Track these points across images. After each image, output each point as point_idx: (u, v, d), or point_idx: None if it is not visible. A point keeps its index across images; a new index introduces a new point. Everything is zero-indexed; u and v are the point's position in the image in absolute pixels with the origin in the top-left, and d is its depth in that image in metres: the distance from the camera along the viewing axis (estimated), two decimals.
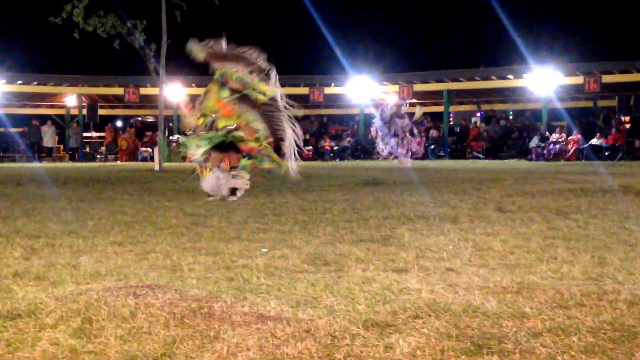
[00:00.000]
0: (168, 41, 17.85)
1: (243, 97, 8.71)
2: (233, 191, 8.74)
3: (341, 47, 30.73)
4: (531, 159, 24.97)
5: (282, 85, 9.02)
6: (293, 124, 8.83)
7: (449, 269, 4.03)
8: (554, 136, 25.89)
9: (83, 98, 30.93)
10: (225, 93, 8.68)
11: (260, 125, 8.69)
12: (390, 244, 4.93)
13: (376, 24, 44.52)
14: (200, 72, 30.97)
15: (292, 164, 8.78)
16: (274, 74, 8.79)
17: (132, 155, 28.55)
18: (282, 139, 8.71)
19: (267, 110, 8.74)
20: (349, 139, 29.98)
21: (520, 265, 4.11)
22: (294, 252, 4.61)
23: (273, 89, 8.73)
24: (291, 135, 8.78)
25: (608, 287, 3.46)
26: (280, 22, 40.80)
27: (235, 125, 8.60)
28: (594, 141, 24.92)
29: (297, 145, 8.83)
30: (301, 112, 9.21)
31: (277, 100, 8.76)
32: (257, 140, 8.68)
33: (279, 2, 39.81)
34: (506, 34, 29.37)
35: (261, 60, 8.76)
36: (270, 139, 8.74)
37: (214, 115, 8.64)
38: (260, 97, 8.64)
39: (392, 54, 36.86)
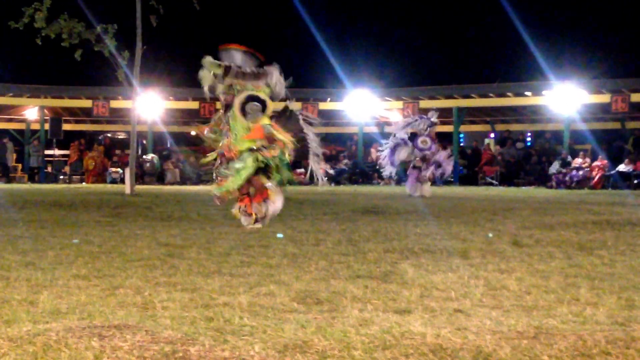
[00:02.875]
0: (143, 48, 17.89)
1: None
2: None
3: (338, 58, 30.85)
4: (551, 187, 25.04)
5: (272, 99, 9.20)
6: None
7: (458, 310, 4.03)
8: (577, 161, 26.00)
9: (45, 111, 30.95)
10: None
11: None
12: (392, 281, 4.93)
13: (378, 32, 44.85)
14: (178, 83, 31.17)
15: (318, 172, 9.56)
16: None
17: (100, 177, 28.51)
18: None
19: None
20: (346, 161, 30.03)
21: (538, 307, 4.11)
22: (282, 289, 4.61)
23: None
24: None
25: (636, 334, 3.46)
26: (270, 29, 41.06)
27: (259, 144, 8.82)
28: (622, 167, 25.03)
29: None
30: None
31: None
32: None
33: (268, 8, 40.11)
34: (524, 46, 29.52)
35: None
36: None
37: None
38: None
39: (396, 66, 37.07)
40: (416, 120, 18.07)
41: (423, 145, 17.31)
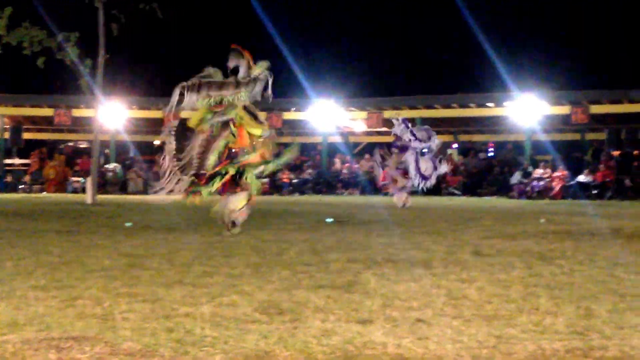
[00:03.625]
0: (106, 56, 17.77)
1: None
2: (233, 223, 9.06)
3: (302, 68, 30.90)
4: (513, 197, 25.27)
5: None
6: None
7: (419, 319, 4.04)
8: (538, 172, 26.28)
9: (5, 119, 30.54)
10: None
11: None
12: (354, 291, 4.93)
13: (342, 43, 45.02)
14: (142, 92, 30.96)
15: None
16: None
17: (61, 186, 28.17)
18: None
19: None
20: (310, 170, 30.04)
21: (499, 317, 4.14)
22: (244, 299, 4.59)
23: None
24: None
25: (595, 343, 3.51)
26: (233, 39, 40.92)
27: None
28: (582, 178, 25.36)
29: None
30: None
31: None
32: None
33: (231, 17, 40.06)
34: (486, 57, 29.89)
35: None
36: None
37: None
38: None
39: (360, 77, 37.26)
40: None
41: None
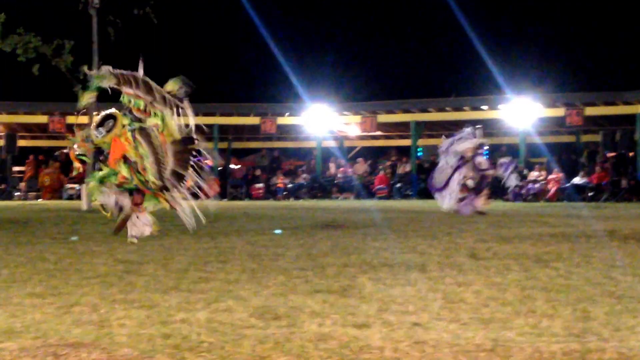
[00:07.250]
0: (100, 63, 17.76)
1: (143, 130, 9.45)
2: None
3: (296, 73, 30.92)
4: (508, 200, 25.31)
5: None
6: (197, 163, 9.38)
7: (416, 323, 4.04)
8: (533, 174, 26.33)
9: (0, 127, 30.47)
10: (126, 120, 9.56)
11: (149, 164, 9.18)
12: (350, 296, 4.93)
13: (336, 46, 45.07)
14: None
15: (184, 208, 9.12)
16: (186, 105, 9.41)
17: (57, 193, 28.12)
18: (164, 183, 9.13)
19: (176, 150, 9.28)
20: (305, 175, 30.04)
21: (495, 320, 4.14)
22: (240, 304, 4.58)
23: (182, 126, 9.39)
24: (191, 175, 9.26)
25: (592, 345, 3.51)
26: (228, 44, 41.02)
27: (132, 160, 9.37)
28: (577, 180, 25.41)
29: (198, 186, 9.28)
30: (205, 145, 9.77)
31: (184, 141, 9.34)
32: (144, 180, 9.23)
33: (226, 23, 40.07)
34: (480, 60, 29.92)
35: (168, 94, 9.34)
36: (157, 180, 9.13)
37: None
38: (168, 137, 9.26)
39: (354, 81, 37.29)
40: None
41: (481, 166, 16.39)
